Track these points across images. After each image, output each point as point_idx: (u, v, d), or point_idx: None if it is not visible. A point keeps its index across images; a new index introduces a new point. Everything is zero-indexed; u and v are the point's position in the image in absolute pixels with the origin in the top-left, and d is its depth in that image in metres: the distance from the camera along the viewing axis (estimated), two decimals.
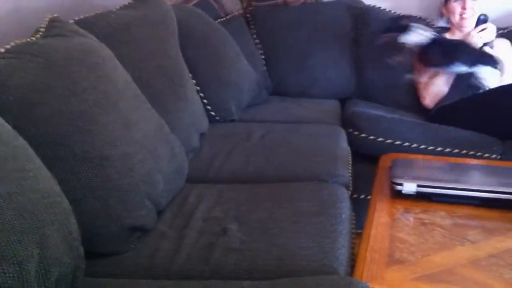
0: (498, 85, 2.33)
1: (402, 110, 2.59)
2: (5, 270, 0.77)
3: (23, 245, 0.83)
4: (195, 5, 2.55)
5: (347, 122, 2.31)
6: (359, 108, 2.45)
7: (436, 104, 2.49)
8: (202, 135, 2.03)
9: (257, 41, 2.86)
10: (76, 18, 1.59)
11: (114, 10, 1.81)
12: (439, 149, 2.10)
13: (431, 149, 2.11)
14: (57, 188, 1.00)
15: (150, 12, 1.87)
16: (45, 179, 0.97)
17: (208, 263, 1.23)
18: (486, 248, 1.27)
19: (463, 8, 2.56)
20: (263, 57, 2.83)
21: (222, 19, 2.73)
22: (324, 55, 2.77)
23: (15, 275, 0.79)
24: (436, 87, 2.49)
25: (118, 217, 1.25)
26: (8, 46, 1.24)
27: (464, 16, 2.56)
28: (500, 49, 2.53)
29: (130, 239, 1.30)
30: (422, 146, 2.12)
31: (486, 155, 2.06)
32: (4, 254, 0.78)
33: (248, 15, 2.93)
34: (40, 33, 1.36)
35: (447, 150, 2.09)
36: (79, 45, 1.36)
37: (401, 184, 1.51)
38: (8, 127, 0.97)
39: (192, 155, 1.85)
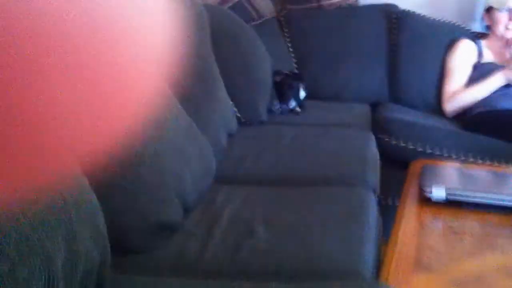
0: None
1: (435, 114, 2.55)
2: (33, 264, 0.79)
3: (51, 240, 0.84)
4: (230, 7, 2.57)
5: (377, 127, 2.29)
6: (390, 113, 2.42)
7: (459, 114, 2.46)
8: (231, 136, 2.04)
9: (289, 44, 2.86)
10: None
11: None
12: (471, 159, 2.06)
13: (463, 159, 2.06)
14: (86, 184, 1.02)
15: (184, 12, 1.88)
16: (74, 175, 0.99)
17: (235, 263, 1.24)
18: None
19: (510, 19, 2.50)
20: (295, 60, 2.83)
21: (256, 22, 2.74)
22: (357, 59, 2.75)
23: (42, 269, 0.81)
24: (467, 95, 2.46)
25: (146, 214, 1.27)
26: None
27: (510, 27, 2.51)
28: None
29: (158, 236, 1.32)
30: (454, 155, 2.07)
31: None
32: (33, 248, 0.80)
33: (281, 18, 2.93)
34: None
35: (479, 160, 2.05)
36: None
37: (430, 191, 1.49)
38: None
39: (221, 156, 1.86)
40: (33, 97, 0.24)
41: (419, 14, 2.79)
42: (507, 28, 2.51)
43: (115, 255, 1.13)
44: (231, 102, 2.14)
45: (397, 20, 2.79)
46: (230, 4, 2.64)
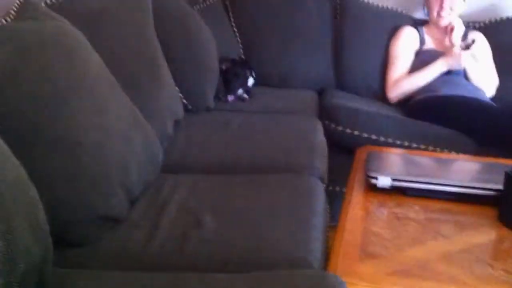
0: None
1: (379, 101, 2.59)
2: None
3: None
4: None
5: (324, 114, 2.30)
6: (337, 100, 2.44)
7: (402, 100, 2.51)
8: (177, 123, 2.00)
9: (235, 29, 2.83)
10: (48, 1, 1.54)
11: None
12: (414, 145, 2.11)
13: (406, 145, 2.11)
14: (25, 177, 0.97)
15: None
16: (12, 168, 0.94)
17: (182, 255, 1.22)
18: (459, 243, 1.28)
19: (441, 6, 2.55)
20: (242, 46, 2.80)
21: (201, 6, 2.69)
22: (304, 46, 2.75)
23: None
24: (409, 82, 2.50)
25: (89, 205, 1.23)
26: None
27: (442, 13, 2.55)
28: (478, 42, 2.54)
29: (102, 228, 1.28)
30: (398, 142, 2.12)
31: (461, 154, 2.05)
32: None
33: (227, 3, 2.90)
34: (11, 16, 1.32)
35: (423, 146, 2.10)
36: (52, 29, 1.32)
37: (376, 178, 1.50)
38: None
39: (167, 144, 1.82)
40: None
41: (362, 1, 2.81)
42: (439, 15, 2.56)
43: (57, 249, 1.08)
44: (177, 89, 2.09)
45: (341, 6, 2.81)
46: None
